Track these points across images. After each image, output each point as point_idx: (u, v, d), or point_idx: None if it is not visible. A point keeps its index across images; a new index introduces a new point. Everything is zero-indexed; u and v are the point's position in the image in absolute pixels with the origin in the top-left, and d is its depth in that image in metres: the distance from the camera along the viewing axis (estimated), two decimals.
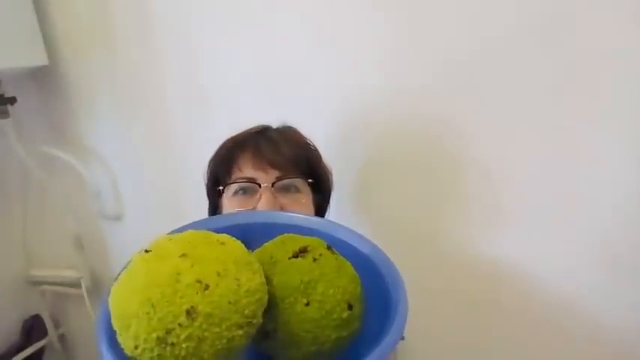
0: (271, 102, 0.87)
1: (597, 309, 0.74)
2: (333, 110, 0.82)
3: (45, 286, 1.23)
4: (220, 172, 0.66)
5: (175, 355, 0.29)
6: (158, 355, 0.29)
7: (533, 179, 0.73)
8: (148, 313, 0.29)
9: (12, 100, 1.01)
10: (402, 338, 0.71)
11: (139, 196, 1.08)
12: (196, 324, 0.29)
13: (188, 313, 0.29)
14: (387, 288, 0.40)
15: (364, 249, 0.45)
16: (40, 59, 0.98)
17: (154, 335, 0.29)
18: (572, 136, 0.69)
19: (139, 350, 0.30)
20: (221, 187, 0.64)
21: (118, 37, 0.95)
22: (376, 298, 0.40)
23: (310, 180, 0.65)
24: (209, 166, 0.69)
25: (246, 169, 0.62)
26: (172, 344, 0.29)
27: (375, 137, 0.81)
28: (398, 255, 0.78)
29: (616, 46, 0.64)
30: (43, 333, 1.25)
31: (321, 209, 0.72)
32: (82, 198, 1.12)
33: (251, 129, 0.68)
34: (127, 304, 0.31)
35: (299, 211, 0.61)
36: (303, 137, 0.69)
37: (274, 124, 0.70)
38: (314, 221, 0.49)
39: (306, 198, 0.65)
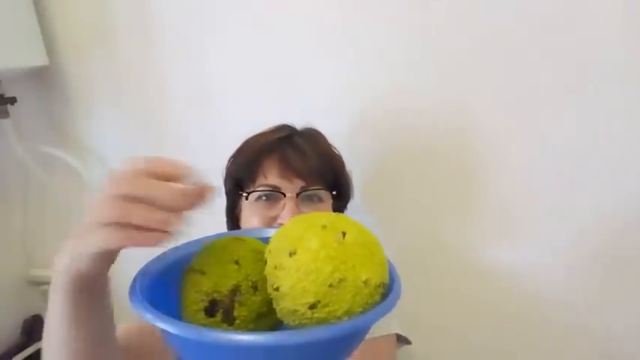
0: (273, 103, 0.87)
1: (598, 311, 0.74)
2: (341, 110, 0.82)
3: (45, 286, 1.23)
4: (244, 175, 0.65)
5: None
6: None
7: (536, 180, 0.73)
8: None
9: (12, 100, 1.01)
10: (409, 343, 0.71)
11: None
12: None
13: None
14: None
15: None
16: (40, 59, 0.98)
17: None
18: (574, 136, 0.69)
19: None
20: (245, 194, 0.64)
21: (118, 37, 0.95)
22: None
23: (334, 192, 0.66)
24: (230, 164, 0.68)
25: (271, 177, 0.62)
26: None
27: (384, 138, 0.81)
28: (407, 253, 0.79)
29: (617, 46, 0.65)
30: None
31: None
32: (82, 198, 1.11)
33: (275, 130, 0.67)
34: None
35: None
36: (328, 143, 0.69)
37: (298, 125, 0.70)
38: None
39: (327, 207, 0.65)
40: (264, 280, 0.37)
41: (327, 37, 0.79)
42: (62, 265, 0.35)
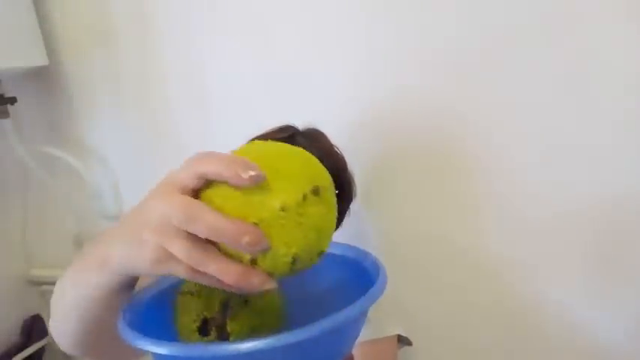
0: (274, 103, 0.87)
1: (599, 310, 0.74)
2: (343, 110, 0.82)
3: (45, 286, 1.23)
4: None
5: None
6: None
7: (536, 180, 0.73)
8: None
9: (12, 100, 1.01)
10: (410, 344, 0.71)
11: (139, 196, 1.08)
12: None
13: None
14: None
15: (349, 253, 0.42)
16: (40, 59, 0.98)
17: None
18: (575, 135, 0.69)
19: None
20: None
21: (118, 37, 0.95)
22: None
23: (336, 192, 0.65)
24: None
25: None
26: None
27: (385, 138, 0.81)
28: (407, 254, 0.78)
29: (617, 46, 0.64)
30: (43, 333, 1.25)
31: (341, 214, 0.72)
32: (82, 198, 1.11)
33: (278, 131, 0.67)
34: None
35: None
36: (330, 143, 0.68)
37: (300, 125, 0.69)
38: None
39: None
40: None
41: (328, 37, 0.79)
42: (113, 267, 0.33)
